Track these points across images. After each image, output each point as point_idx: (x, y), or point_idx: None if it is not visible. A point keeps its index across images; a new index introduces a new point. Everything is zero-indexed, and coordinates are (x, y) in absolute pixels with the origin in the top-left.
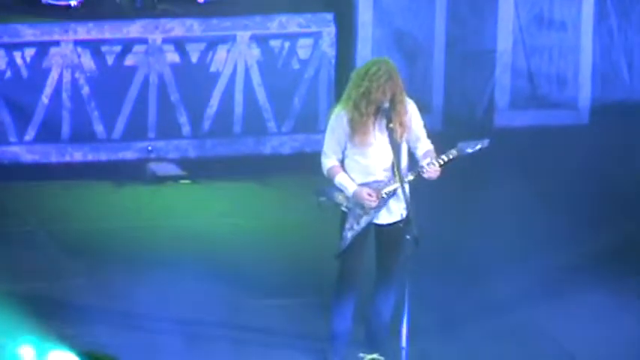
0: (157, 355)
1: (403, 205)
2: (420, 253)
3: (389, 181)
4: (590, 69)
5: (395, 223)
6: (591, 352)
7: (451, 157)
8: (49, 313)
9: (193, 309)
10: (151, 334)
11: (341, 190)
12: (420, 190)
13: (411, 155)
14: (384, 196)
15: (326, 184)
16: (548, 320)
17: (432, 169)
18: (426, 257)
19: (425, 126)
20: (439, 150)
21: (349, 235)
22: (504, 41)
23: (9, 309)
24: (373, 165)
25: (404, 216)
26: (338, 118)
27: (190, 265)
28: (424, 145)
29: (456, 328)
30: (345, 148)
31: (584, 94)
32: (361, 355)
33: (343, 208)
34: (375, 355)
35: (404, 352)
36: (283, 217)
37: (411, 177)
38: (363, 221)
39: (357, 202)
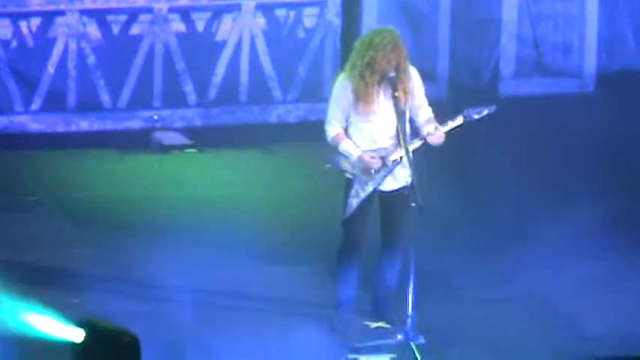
0: (167, 323)
1: (408, 171)
2: (424, 221)
3: (394, 148)
4: (595, 37)
5: (399, 189)
6: (596, 317)
7: (457, 122)
8: (53, 282)
9: (201, 278)
10: (159, 303)
11: (346, 157)
12: (424, 159)
13: (411, 122)
14: (390, 164)
15: (330, 152)
16: (553, 288)
17: (437, 135)
18: (430, 225)
19: (426, 94)
20: (443, 118)
21: (354, 202)
22: (509, 10)
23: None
24: (378, 132)
25: (408, 183)
26: (342, 87)
27: (197, 234)
28: (425, 112)
29: (461, 296)
30: (349, 117)
31: (590, 62)
32: (367, 323)
33: (348, 175)
34: (380, 323)
35: (410, 320)
36: (289, 184)
37: (417, 144)
38: (369, 187)
39: (362, 167)
